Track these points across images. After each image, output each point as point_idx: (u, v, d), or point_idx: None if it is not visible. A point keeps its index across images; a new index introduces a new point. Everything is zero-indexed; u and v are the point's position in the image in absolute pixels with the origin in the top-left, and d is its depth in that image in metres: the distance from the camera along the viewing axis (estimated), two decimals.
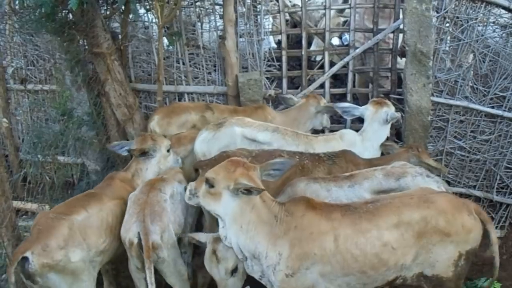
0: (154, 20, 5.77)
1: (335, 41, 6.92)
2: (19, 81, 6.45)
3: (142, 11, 5.79)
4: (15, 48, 6.44)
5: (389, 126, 4.82)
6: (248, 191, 3.09)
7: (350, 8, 5.82)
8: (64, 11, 5.08)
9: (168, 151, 4.42)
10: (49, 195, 5.11)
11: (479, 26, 5.14)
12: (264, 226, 3.19)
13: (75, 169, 5.96)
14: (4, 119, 5.10)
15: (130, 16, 5.41)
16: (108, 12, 5.54)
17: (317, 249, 3.11)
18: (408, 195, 3.38)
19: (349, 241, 3.13)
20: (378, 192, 3.74)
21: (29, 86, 6.44)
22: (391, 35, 5.84)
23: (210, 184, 3.18)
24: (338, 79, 6.75)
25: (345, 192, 3.74)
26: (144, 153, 4.28)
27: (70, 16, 5.11)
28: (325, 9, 5.78)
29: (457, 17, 5.08)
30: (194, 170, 4.23)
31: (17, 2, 5.78)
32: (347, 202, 3.49)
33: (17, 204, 5.59)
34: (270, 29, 6.26)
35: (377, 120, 4.75)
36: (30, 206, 5.58)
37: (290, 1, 7.00)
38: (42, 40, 6.13)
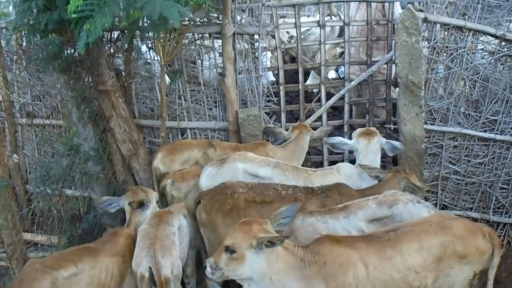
0: (156, 58, 5.87)
1: (332, 74, 7.04)
2: (26, 116, 6.56)
3: (144, 48, 5.90)
4: (22, 83, 6.56)
5: (380, 153, 4.94)
6: (271, 242, 3.14)
7: (344, 42, 5.95)
8: (70, 50, 5.24)
9: (157, 202, 4.45)
10: (58, 227, 5.21)
11: (468, 54, 5.28)
12: (294, 271, 3.27)
13: (82, 202, 5.99)
14: (15, 155, 5.27)
15: (133, 54, 5.57)
16: (112, 50, 5.69)
17: (351, 278, 3.23)
18: (427, 222, 3.55)
19: (377, 268, 3.27)
20: (372, 221, 3.86)
21: (36, 121, 6.53)
22: (385, 66, 5.98)
23: (231, 250, 3.18)
24: (337, 109, 6.83)
25: (341, 223, 3.82)
26: (141, 205, 4.26)
27: (76, 54, 5.20)
28: (320, 44, 5.91)
29: (447, 47, 5.25)
30: (196, 203, 4.32)
31: (24, 41, 6.07)
32: (368, 233, 3.61)
33: (26, 236, 5.67)
34: (268, 65, 6.37)
35: (372, 151, 4.87)
36: (40, 238, 5.67)
37: (288, 32, 7.14)
38: (49, 77, 6.24)
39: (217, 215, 4.07)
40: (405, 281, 3.29)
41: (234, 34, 5.60)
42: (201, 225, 4.18)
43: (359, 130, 5.11)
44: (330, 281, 3.21)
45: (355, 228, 3.77)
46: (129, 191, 4.49)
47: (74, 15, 3.67)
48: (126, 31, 5.42)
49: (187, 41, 5.84)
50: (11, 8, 6.26)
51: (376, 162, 4.83)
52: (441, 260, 3.36)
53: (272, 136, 5.82)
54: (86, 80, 5.55)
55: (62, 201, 5.88)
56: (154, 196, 4.41)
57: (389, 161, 5.93)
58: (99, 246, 3.96)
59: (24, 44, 6.24)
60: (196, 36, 5.86)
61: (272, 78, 6.60)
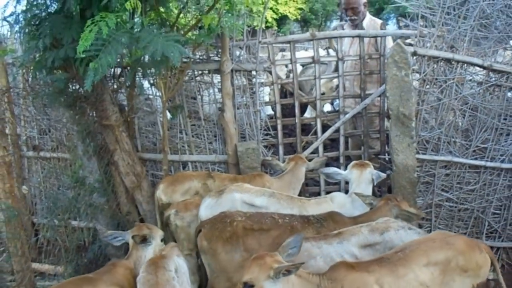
0: (157, 94, 6.06)
1: (327, 107, 7.25)
2: (32, 149, 6.74)
3: (146, 84, 6.09)
4: (28, 118, 6.74)
5: (372, 184, 5.14)
6: (288, 271, 3.30)
7: (338, 76, 6.14)
8: (75, 86, 5.46)
9: (161, 240, 4.52)
10: (64, 257, 5.35)
11: (457, 85, 5.46)
12: None
13: (87, 233, 6.08)
14: (24, 187, 5.46)
15: (136, 90, 5.75)
16: (115, 86, 5.88)
17: None
18: (431, 239, 3.82)
19: (393, 287, 3.47)
20: (365, 246, 4.01)
21: (42, 154, 6.70)
22: (378, 99, 6.14)
23: (250, 285, 3.31)
24: (334, 141, 6.90)
25: (334, 248, 3.97)
26: (144, 240, 4.36)
27: (81, 90, 5.43)
28: (315, 78, 6.07)
29: (436, 79, 5.43)
30: (197, 232, 4.46)
31: (31, 76, 6.27)
32: (379, 256, 3.77)
33: (34, 265, 5.77)
34: (265, 100, 6.50)
35: (364, 181, 5.08)
36: (47, 267, 5.81)
37: (286, 66, 7.29)
38: (54, 112, 6.44)
39: (217, 242, 4.20)
40: None
41: (232, 70, 5.78)
42: (202, 252, 4.31)
43: (353, 162, 5.35)
44: None
45: (348, 253, 3.93)
46: (135, 227, 4.60)
47: (83, 55, 3.87)
48: (128, 68, 5.62)
49: (187, 77, 6.01)
50: (17, 45, 6.42)
51: (368, 191, 5.02)
52: (446, 273, 3.60)
53: (270, 168, 5.96)
54: (90, 115, 5.69)
55: (67, 231, 5.98)
56: (158, 234, 4.48)
57: (384, 191, 6.09)
58: (98, 276, 4.04)
59: (30, 79, 6.40)
60: (196, 72, 6.03)
61: (270, 112, 6.79)
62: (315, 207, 4.83)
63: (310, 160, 5.82)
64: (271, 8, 21.74)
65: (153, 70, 5.19)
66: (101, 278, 3.99)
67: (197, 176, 5.57)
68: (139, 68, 5.36)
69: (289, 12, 24.65)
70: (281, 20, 24.94)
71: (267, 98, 6.97)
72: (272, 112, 6.92)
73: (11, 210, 4.90)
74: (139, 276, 3.86)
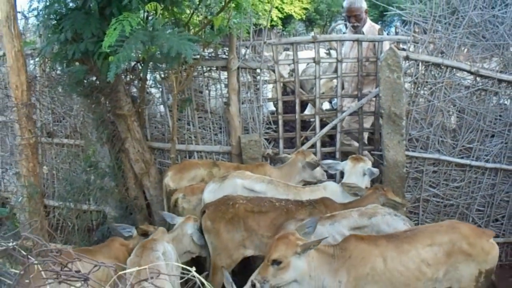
0: (167, 87, 6.38)
1: (326, 105, 7.59)
2: (46, 135, 7.03)
3: (158, 78, 6.38)
4: (44, 105, 7.05)
5: (366, 178, 5.42)
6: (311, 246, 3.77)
7: (337, 77, 6.47)
8: (92, 77, 5.78)
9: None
10: (76, 237, 5.72)
11: (445, 88, 5.79)
12: (326, 266, 3.86)
13: (95, 216, 6.48)
14: (45, 167, 5.89)
15: (148, 82, 6.11)
16: (128, 79, 6.16)
17: (369, 270, 3.83)
18: (439, 224, 4.28)
19: (395, 260, 3.87)
20: (354, 229, 4.38)
21: (55, 140, 7.04)
22: (374, 99, 6.45)
23: (278, 262, 3.71)
24: (333, 139, 7.11)
25: (327, 229, 4.34)
26: (145, 235, 4.65)
27: (97, 82, 5.76)
28: (315, 78, 6.42)
29: (427, 82, 5.78)
30: (202, 212, 4.83)
31: (48, 67, 6.59)
32: (390, 233, 4.22)
33: None
34: (268, 96, 6.86)
35: (355, 173, 5.40)
36: (58, 247, 6.18)
37: (289, 65, 7.56)
38: (69, 102, 6.78)
39: (220, 223, 4.61)
40: (419, 271, 3.88)
41: (238, 68, 6.13)
42: (206, 231, 4.69)
43: (352, 155, 5.72)
44: (351, 272, 3.81)
45: (339, 234, 4.30)
46: (145, 224, 5.06)
47: (108, 50, 4.26)
48: (141, 63, 5.95)
49: (196, 73, 6.35)
50: (36, 37, 6.77)
51: (359, 184, 5.30)
52: (450, 256, 3.93)
53: (281, 162, 6.16)
54: (105, 104, 6.02)
55: (79, 213, 6.35)
56: (163, 235, 4.63)
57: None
58: (97, 248, 4.48)
59: (47, 70, 6.74)
60: (204, 68, 6.41)
61: (272, 108, 7.10)
62: (309, 194, 5.17)
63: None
64: (276, 7, 21.99)
65: (165, 65, 5.55)
66: (100, 250, 4.42)
67: (203, 165, 5.91)
68: (151, 63, 5.73)
69: (294, 11, 24.81)
70: (286, 19, 25.14)
71: (269, 95, 7.30)
72: (274, 108, 7.22)
73: (33, 187, 5.34)
74: (129, 258, 4.15)
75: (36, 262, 1.83)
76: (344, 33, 7.35)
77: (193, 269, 1.97)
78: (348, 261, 3.84)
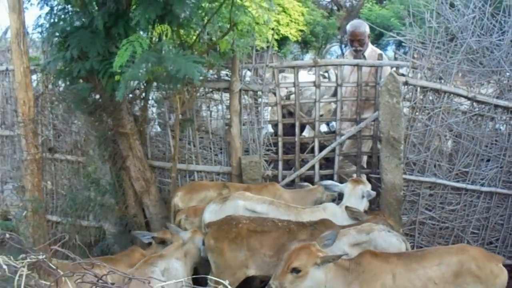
0: (169, 107, 6.47)
1: (323, 128, 7.67)
2: (47, 151, 7.02)
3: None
4: (45, 122, 7.05)
5: (365, 200, 5.50)
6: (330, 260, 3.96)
7: (337, 101, 6.58)
8: (95, 95, 5.85)
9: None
10: (75, 253, 5.73)
11: (443, 113, 5.88)
12: (341, 278, 4.04)
13: (93, 232, 6.52)
14: (49, 182, 5.96)
15: (149, 102, 6.18)
16: (130, 97, 6.22)
17: (379, 286, 4.00)
18: (449, 247, 4.50)
19: (404, 278, 4.04)
20: (354, 245, 4.54)
21: (56, 156, 7.02)
22: (372, 123, 6.54)
23: (298, 270, 3.90)
24: (330, 161, 7.23)
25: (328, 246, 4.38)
26: (163, 242, 4.91)
27: (100, 100, 5.82)
28: (315, 102, 6.54)
29: (425, 107, 5.87)
30: (206, 226, 4.95)
31: (51, 83, 6.63)
32: (402, 252, 4.42)
33: None
34: (268, 119, 6.93)
35: (354, 195, 5.48)
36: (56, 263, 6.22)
37: (286, 88, 7.67)
38: (71, 118, 6.82)
39: (224, 242, 4.66)
40: None
41: (240, 90, 6.22)
42: (209, 250, 4.73)
43: (352, 178, 5.85)
44: (363, 286, 4.00)
45: (340, 251, 4.35)
46: (163, 230, 5.22)
47: (118, 70, 4.35)
48: (145, 82, 5.95)
49: (198, 94, 6.43)
50: (39, 53, 6.88)
51: (357, 206, 5.38)
52: (458, 276, 4.07)
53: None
54: (107, 122, 6.07)
55: (78, 229, 6.40)
56: (174, 252, 4.74)
57: (375, 208, 6.56)
58: (118, 257, 4.69)
59: (49, 86, 6.81)
60: (206, 90, 6.49)
61: (270, 130, 7.20)
62: (309, 214, 5.25)
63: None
64: (272, 29, 22.16)
65: (169, 86, 5.64)
66: (121, 259, 4.68)
67: (213, 186, 5.95)
68: (154, 83, 5.83)
69: (290, 33, 25.00)
70: (282, 41, 25.33)
71: (268, 117, 7.30)
72: (272, 130, 7.35)
73: (38, 202, 5.41)
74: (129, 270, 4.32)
75: (62, 274, 1.90)
76: (339, 55, 7.47)
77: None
78: (362, 276, 4.02)
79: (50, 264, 2.00)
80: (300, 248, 4.04)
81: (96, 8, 5.47)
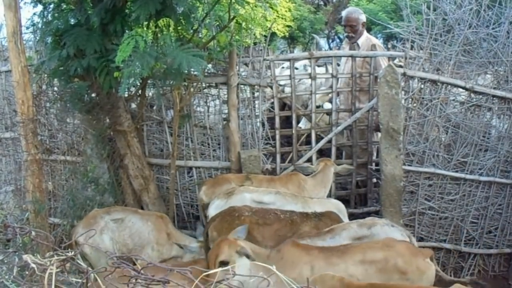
0: (166, 104, 6.48)
1: (327, 105, 7.62)
2: (43, 152, 6.77)
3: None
4: (41, 121, 6.89)
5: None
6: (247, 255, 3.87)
7: (332, 92, 6.66)
8: (92, 94, 5.82)
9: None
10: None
11: (441, 104, 5.92)
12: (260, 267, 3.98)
13: None
14: (50, 183, 5.89)
15: (148, 99, 6.16)
16: (127, 95, 6.19)
17: (296, 275, 3.82)
18: (375, 241, 4.23)
19: (322, 271, 3.83)
20: (355, 239, 4.44)
21: (52, 156, 6.91)
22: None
23: (225, 262, 3.77)
24: (325, 154, 7.29)
25: (327, 242, 4.38)
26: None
27: (97, 98, 5.80)
28: (311, 94, 6.55)
29: (423, 98, 5.88)
30: (208, 224, 4.93)
31: (44, 83, 6.53)
32: (326, 246, 4.25)
33: None
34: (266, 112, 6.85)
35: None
36: None
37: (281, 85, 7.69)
38: (67, 118, 6.75)
39: (226, 234, 4.59)
40: None
41: (238, 84, 6.22)
42: (212, 242, 4.70)
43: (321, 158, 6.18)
44: (281, 273, 3.89)
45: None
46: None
47: (121, 65, 4.31)
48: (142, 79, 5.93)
49: (196, 89, 6.42)
50: (31, 52, 6.76)
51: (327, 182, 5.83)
52: (382, 272, 3.93)
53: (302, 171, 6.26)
54: (104, 121, 6.05)
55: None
56: None
57: (374, 197, 6.64)
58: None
59: (43, 87, 6.72)
60: (204, 85, 6.46)
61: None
62: (317, 205, 5.22)
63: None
64: (260, 25, 22.14)
65: (169, 81, 5.63)
66: None
67: (235, 179, 5.91)
68: (150, 79, 5.78)
69: (277, 29, 24.92)
70: (269, 37, 25.12)
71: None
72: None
73: (39, 203, 5.35)
74: None
75: (92, 271, 1.88)
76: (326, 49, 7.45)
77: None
78: (280, 262, 3.88)
79: (79, 261, 1.97)
80: (218, 242, 3.98)
81: (91, 5, 5.43)
